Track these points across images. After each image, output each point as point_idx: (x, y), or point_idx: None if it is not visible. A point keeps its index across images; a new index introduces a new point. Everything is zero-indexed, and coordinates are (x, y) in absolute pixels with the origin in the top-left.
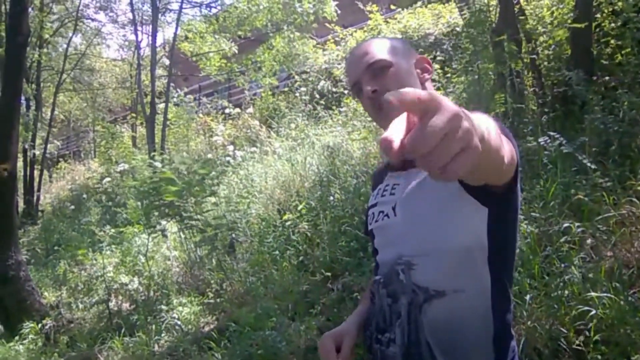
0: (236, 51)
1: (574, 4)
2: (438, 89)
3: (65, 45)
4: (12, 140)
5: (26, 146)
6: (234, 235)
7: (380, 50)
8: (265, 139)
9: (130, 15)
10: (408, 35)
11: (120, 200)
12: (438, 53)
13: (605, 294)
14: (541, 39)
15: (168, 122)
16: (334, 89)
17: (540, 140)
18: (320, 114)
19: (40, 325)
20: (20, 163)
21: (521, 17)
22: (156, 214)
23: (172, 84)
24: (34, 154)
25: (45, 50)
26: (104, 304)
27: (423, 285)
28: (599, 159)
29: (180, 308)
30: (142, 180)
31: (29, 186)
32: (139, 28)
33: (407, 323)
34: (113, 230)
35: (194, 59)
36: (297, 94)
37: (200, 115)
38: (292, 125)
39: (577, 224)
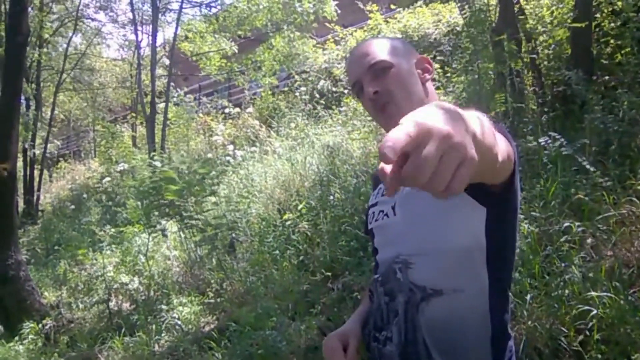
0: (236, 51)
1: (574, 3)
2: (438, 88)
3: (65, 45)
4: (12, 139)
5: (26, 146)
6: (234, 235)
7: (381, 50)
8: (265, 138)
9: (130, 15)
10: (408, 35)
11: (120, 200)
12: (438, 53)
13: (605, 294)
14: (541, 38)
15: (168, 122)
16: (333, 89)
17: (540, 140)
18: (320, 114)
19: (40, 325)
20: (20, 163)
21: (521, 17)
22: (156, 213)
23: (172, 84)
24: (34, 153)
25: (45, 49)
26: (104, 303)
27: (420, 284)
28: (599, 159)
29: (180, 308)
30: (141, 180)
31: (29, 186)
32: (139, 28)
33: (404, 322)
34: (113, 229)
35: (194, 58)
36: (297, 94)
37: (200, 114)
38: (292, 125)
39: (577, 224)
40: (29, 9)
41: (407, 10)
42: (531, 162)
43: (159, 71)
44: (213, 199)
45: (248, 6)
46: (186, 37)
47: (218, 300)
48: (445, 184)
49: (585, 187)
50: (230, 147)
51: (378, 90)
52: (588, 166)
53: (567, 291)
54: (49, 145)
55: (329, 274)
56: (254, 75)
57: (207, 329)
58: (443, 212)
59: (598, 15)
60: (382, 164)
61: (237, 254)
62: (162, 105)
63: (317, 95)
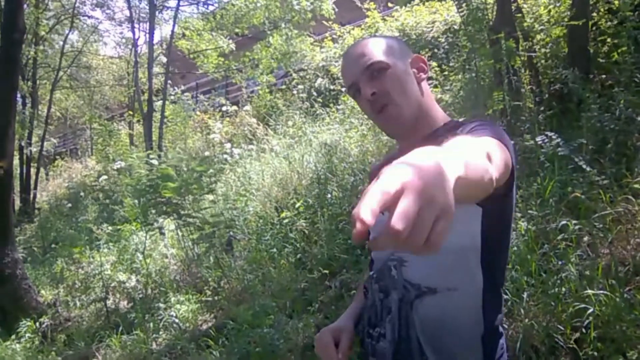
0: (234, 48)
1: (571, 2)
2: (435, 86)
3: (61, 43)
4: (8, 137)
5: (22, 144)
6: (231, 233)
7: (377, 51)
8: (263, 136)
9: (127, 12)
10: (405, 33)
11: (117, 198)
12: (435, 51)
13: (601, 291)
14: (538, 37)
15: (165, 120)
16: (331, 87)
17: (537, 139)
18: (318, 112)
19: (37, 323)
20: (16, 161)
21: (518, 15)
22: (153, 211)
23: (169, 82)
24: (31, 151)
25: (41, 47)
26: (101, 302)
27: (415, 282)
28: (596, 157)
29: (178, 306)
30: (138, 178)
31: (26, 184)
32: (136, 25)
33: (397, 319)
34: (110, 228)
35: (191, 56)
36: (295, 92)
37: (198, 112)
38: (290, 123)
39: (573, 222)
40: (25, 5)
41: (405, 9)
42: (528, 161)
43: (156, 69)
44: (211, 197)
45: (245, 4)
46: (183, 35)
47: (216, 298)
48: (423, 239)
49: (582, 185)
50: (228, 145)
51: (375, 92)
52: (584, 165)
53: (563, 289)
54: (45, 143)
55: (327, 271)
56: (251, 73)
57: (204, 327)
58: None
59: (595, 14)
60: (356, 228)
61: (235, 252)
62: (160, 103)
63: (315, 93)
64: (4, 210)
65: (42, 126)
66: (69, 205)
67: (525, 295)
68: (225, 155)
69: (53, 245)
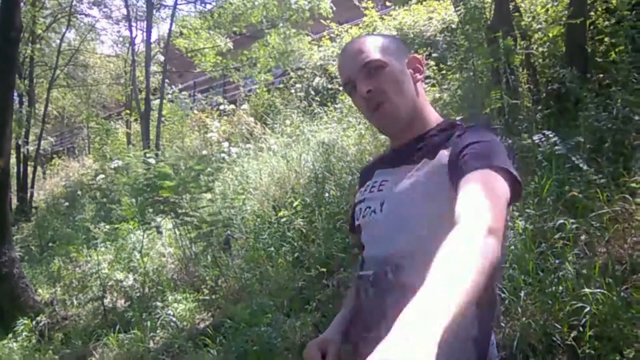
0: (231, 47)
1: (569, 1)
2: (433, 85)
3: (58, 41)
4: (5, 136)
5: (19, 142)
6: (229, 232)
7: (374, 49)
8: (260, 135)
9: (124, 10)
10: (403, 32)
11: (114, 197)
12: (433, 50)
13: (598, 290)
14: (536, 36)
15: (163, 119)
16: (329, 86)
17: (534, 137)
18: (316, 111)
19: (34, 322)
20: (13, 159)
21: (516, 14)
22: (151, 210)
23: (166, 80)
24: (28, 150)
25: (38, 45)
26: (98, 300)
27: (412, 285)
28: (593, 156)
29: (175, 304)
30: (135, 177)
31: (23, 183)
32: (134, 24)
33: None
34: (108, 227)
35: (189, 55)
36: (292, 91)
37: (195, 111)
38: (287, 122)
39: (571, 221)
40: (22, 4)
41: (403, 8)
42: (525, 160)
43: (154, 68)
44: (208, 195)
45: (243, 2)
46: (181, 34)
47: (213, 297)
48: None
49: (579, 184)
50: (225, 144)
51: (371, 89)
52: (582, 163)
53: (560, 288)
54: (42, 142)
55: (324, 270)
56: (249, 72)
57: (202, 325)
58: (437, 215)
59: (592, 13)
60: None
61: (232, 250)
62: (157, 101)
63: (313, 92)
64: (1, 209)
65: (39, 125)
66: (66, 204)
67: (522, 294)
68: (222, 154)
69: (50, 244)
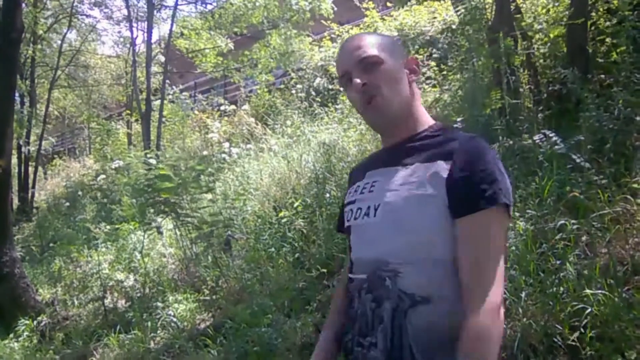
0: (232, 48)
1: (570, 1)
2: (434, 86)
3: (59, 42)
4: (6, 136)
5: (20, 143)
6: (230, 232)
7: (372, 45)
8: (261, 136)
9: (125, 11)
10: (404, 33)
11: (115, 197)
12: (434, 50)
13: (599, 291)
14: (537, 36)
15: (163, 119)
16: (330, 86)
17: (535, 138)
18: (316, 111)
19: (35, 322)
20: (14, 160)
21: (517, 16)
22: (151, 210)
23: (167, 81)
24: (29, 150)
25: (39, 46)
26: (99, 301)
27: (410, 291)
28: (594, 157)
29: (176, 305)
30: (135, 178)
31: (24, 183)
32: (134, 24)
33: (390, 328)
34: (108, 227)
35: (190, 55)
36: (293, 91)
37: (196, 112)
38: (288, 123)
39: (572, 221)
40: (23, 4)
41: (404, 8)
42: (526, 160)
43: (154, 68)
44: (209, 196)
45: (244, 3)
46: (182, 34)
47: (214, 297)
48: None
49: (580, 184)
50: (226, 144)
51: (366, 83)
52: (583, 162)
53: (561, 289)
54: (43, 142)
55: (325, 271)
56: (250, 73)
57: (202, 326)
58: (432, 223)
59: (594, 13)
60: None
61: (233, 251)
62: (158, 102)
63: (313, 93)
64: (2, 209)
65: (40, 125)
66: (67, 204)
67: (523, 295)
68: (223, 155)
69: (51, 244)
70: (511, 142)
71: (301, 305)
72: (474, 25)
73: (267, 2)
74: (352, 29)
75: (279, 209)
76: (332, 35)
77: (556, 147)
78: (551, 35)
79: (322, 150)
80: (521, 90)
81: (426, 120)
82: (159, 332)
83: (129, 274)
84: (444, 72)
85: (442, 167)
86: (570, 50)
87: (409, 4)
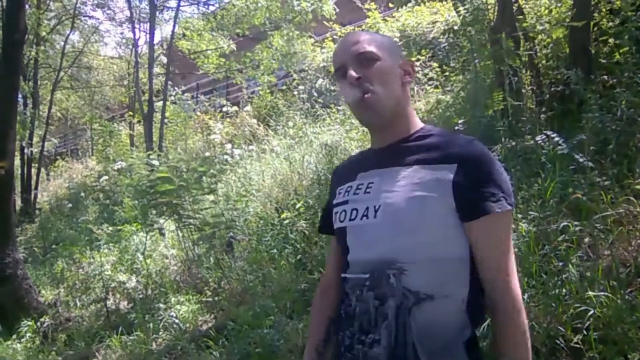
0: (234, 49)
1: (572, 2)
2: (436, 87)
3: (62, 43)
4: (9, 138)
5: (23, 144)
6: (232, 234)
7: (370, 42)
8: (263, 137)
9: (127, 12)
10: (406, 34)
11: (117, 199)
12: (436, 51)
13: (602, 293)
14: (539, 37)
15: (166, 120)
16: (332, 87)
17: (537, 138)
18: (318, 112)
19: (38, 323)
20: (17, 161)
21: (519, 17)
22: (154, 212)
23: (169, 82)
24: (32, 152)
25: (42, 47)
26: (101, 302)
27: (414, 289)
28: (597, 158)
29: (178, 306)
30: (138, 179)
31: (27, 184)
32: (137, 26)
33: (394, 325)
34: (111, 228)
35: (192, 56)
36: (295, 92)
37: (198, 113)
38: (290, 124)
39: (574, 223)
40: (26, 6)
41: (405, 9)
42: (529, 162)
43: (157, 69)
44: (211, 197)
45: (246, 4)
46: (184, 35)
47: (216, 298)
48: None
49: (583, 186)
50: (228, 145)
51: (360, 77)
52: (585, 162)
53: (564, 290)
54: (46, 144)
55: None
56: (252, 74)
57: (204, 327)
58: (441, 225)
59: (596, 14)
60: None
61: (235, 252)
62: (160, 103)
63: (316, 94)
64: (5, 210)
65: (43, 126)
66: (70, 205)
67: (526, 297)
68: (225, 156)
69: (54, 246)
70: (513, 143)
71: (303, 306)
72: (476, 26)
73: (269, 4)
74: (354, 30)
75: (281, 210)
76: (334, 37)
77: (559, 148)
78: (553, 36)
79: (324, 151)
80: (523, 91)
81: (417, 122)
82: (161, 333)
83: (131, 275)
84: (446, 73)
85: (446, 171)
86: (572, 51)
87: (409, 4)
